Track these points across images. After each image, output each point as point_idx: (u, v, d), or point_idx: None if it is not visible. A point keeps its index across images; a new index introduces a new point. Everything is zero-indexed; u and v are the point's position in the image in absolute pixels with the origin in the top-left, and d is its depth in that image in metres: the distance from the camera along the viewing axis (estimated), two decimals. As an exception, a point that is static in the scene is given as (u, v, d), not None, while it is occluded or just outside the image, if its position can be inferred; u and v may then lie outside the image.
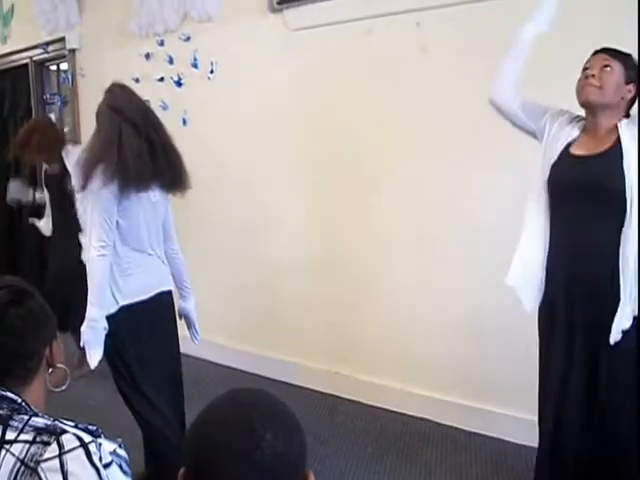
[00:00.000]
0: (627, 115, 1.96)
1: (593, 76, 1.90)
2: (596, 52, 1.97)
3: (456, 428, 3.04)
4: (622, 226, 1.83)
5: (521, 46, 2.06)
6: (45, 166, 3.75)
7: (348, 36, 3.21)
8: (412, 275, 3.16)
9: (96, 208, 2.18)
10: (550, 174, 2.01)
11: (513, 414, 2.82)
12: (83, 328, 2.19)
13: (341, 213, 3.37)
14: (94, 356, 2.20)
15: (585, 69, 1.95)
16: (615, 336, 1.84)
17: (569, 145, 2.00)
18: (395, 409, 3.23)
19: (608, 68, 1.90)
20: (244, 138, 3.73)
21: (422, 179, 3.07)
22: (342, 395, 3.43)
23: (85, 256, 2.22)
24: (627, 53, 1.94)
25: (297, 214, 3.58)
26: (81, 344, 2.21)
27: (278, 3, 3.43)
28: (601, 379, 1.90)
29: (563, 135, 2.02)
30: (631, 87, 1.93)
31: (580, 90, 1.95)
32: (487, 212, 2.87)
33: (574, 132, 2.01)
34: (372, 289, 3.31)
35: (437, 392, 3.12)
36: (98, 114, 2.31)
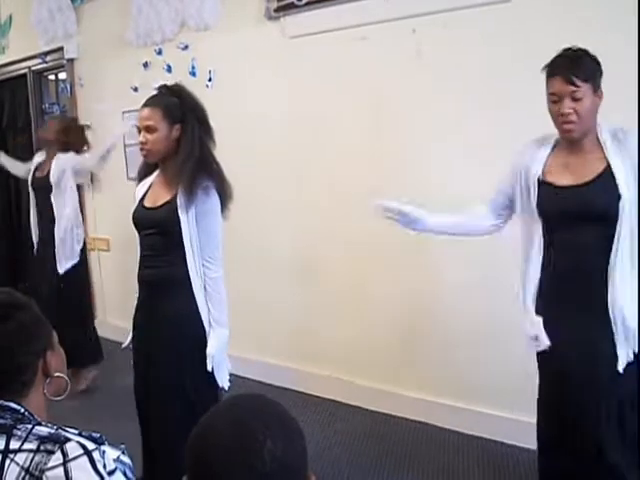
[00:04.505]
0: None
1: (569, 114, 1.81)
2: (555, 71, 1.84)
3: (456, 432, 3.04)
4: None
5: (431, 230, 2.18)
6: (35, 164, 3.67)
7: (345, 43, 3.23)
8: (412, 281, 3.16)
9: (220, 225, 2.15)
10: (539, 209, 1.93)
11: (513, 417, 2.82)
12: (215, 351, 2.10)
13: (341, 218, 3.37)
14: (226, 378, 2.18)
15: (554, 100, 1.85)
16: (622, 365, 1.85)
17: (544, 174, 1.93)
18: (396, 414, 3.24)
19: (578, 94, 1.79)
20: (242, 145, 3.74)
21: (420, 184, 3.08)
22: (342, 400, 3.43)
23: (212, 275, 2.12)
24: (584, 55, 1.84)
25: (294, 220, 3.59)
26: (209, 367, 2.11)
27: (275, 11, 3.46)
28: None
29: (532, 170, 1.95)
30: (599, 93, 1.85)
31: (559, 127, 1.87)
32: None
33: (541, 163, 1.93)
34: (373, 295, 3.32)
35: (438, 396, 3.13)
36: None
